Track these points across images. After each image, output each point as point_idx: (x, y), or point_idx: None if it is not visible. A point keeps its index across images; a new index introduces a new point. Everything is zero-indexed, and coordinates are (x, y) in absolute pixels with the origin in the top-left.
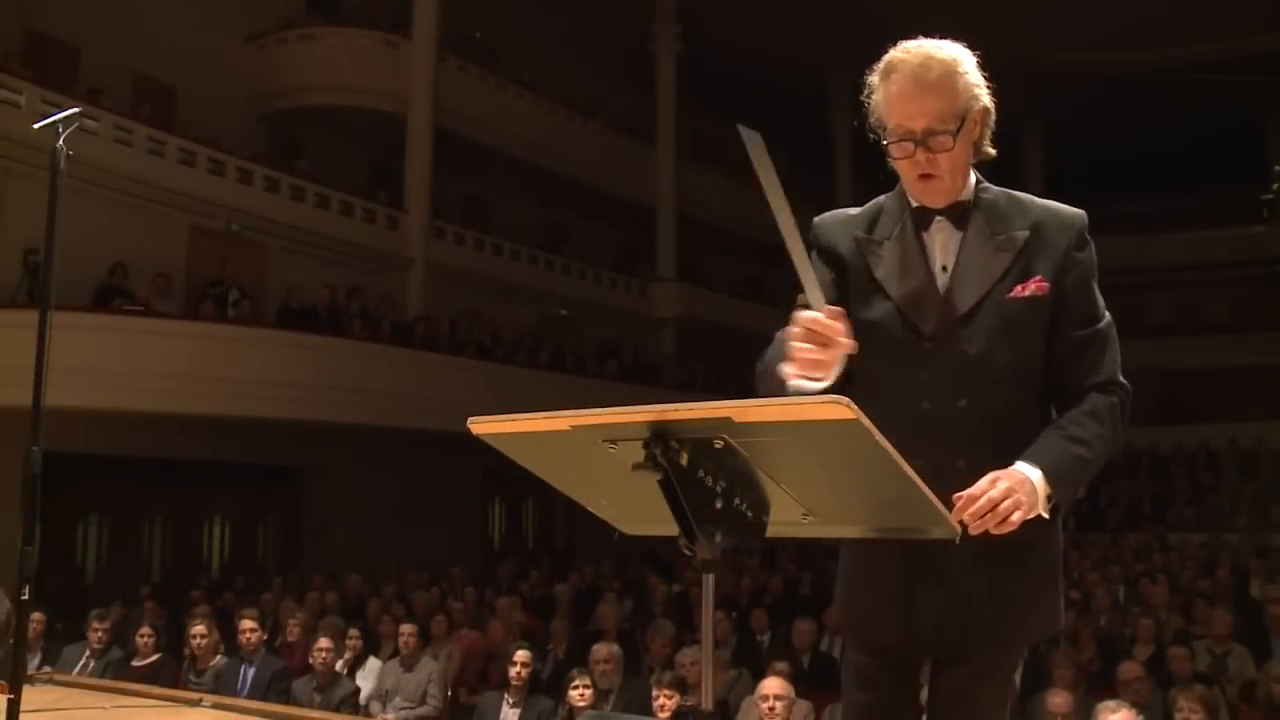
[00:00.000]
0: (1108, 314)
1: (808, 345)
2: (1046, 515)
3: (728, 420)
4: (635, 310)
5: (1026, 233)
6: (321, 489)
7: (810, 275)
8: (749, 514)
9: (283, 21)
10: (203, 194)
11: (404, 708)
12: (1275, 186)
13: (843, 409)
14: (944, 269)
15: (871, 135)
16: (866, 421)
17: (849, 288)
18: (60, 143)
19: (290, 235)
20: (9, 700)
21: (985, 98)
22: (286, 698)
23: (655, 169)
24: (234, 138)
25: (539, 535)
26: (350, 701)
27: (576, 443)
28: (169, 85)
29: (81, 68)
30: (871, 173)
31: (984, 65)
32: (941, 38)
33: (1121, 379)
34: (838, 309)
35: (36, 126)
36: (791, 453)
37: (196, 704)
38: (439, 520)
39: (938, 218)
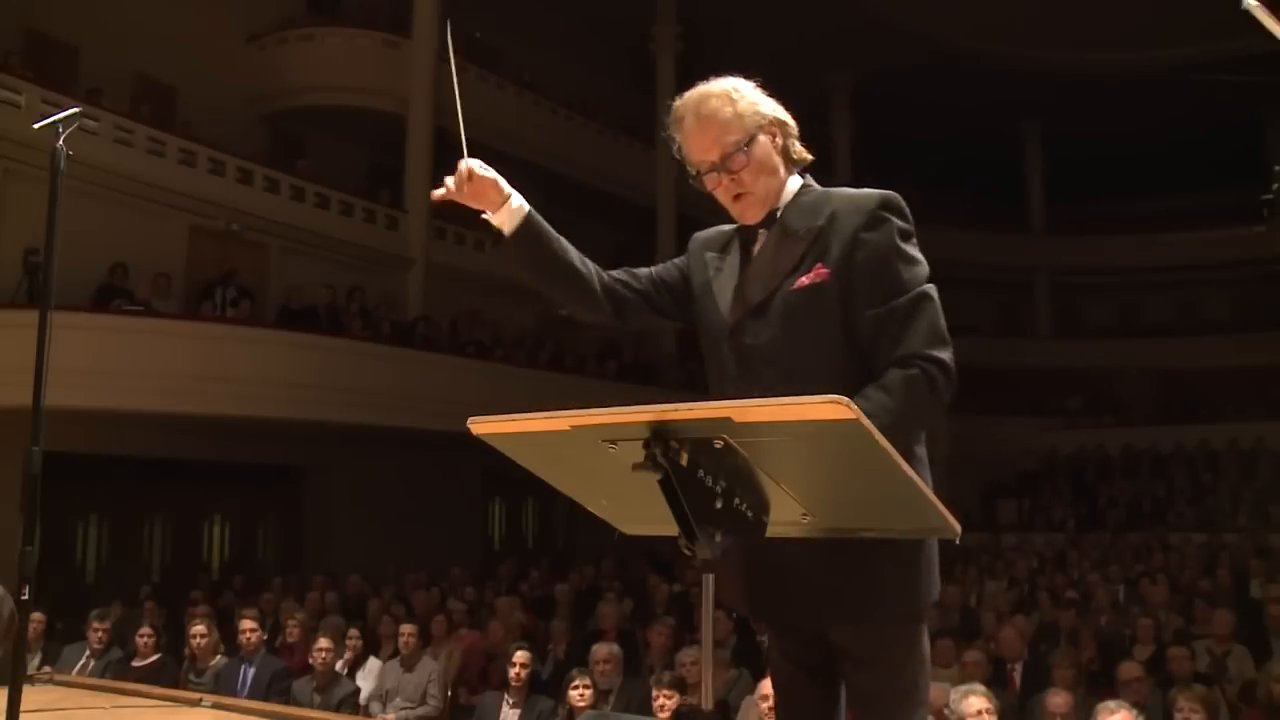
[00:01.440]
0: (921, 288)
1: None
2: None
3: (728, 420)
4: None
5: (821, 223)
6: (321, 489)
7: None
8: (749, 514)
9: (283, 21)
10: (203, 194)
11: (404, 708)
12: (1275, 186)
13: (843, 409)
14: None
15: (691, 181)
16: (866, 421)
17: (696, 299)
18: (60, 143)
19: (290, 235)
20: (9, 700)
21: (772, 110)
22: (286, 698)
23: (655, 169)
24: (234, 138)
25: (539, 535)
26: (350, 701)
27: (576, 443)
28: (169, 85)
29: (81, 68)
30: (872, 173)
31: (985, 65)
32: (942, 38)
33: (932, 352)
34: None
35: (36, 126)
36: (791, 453)
37: (196, 704)
38: (439, 520)
39: (760, 230)
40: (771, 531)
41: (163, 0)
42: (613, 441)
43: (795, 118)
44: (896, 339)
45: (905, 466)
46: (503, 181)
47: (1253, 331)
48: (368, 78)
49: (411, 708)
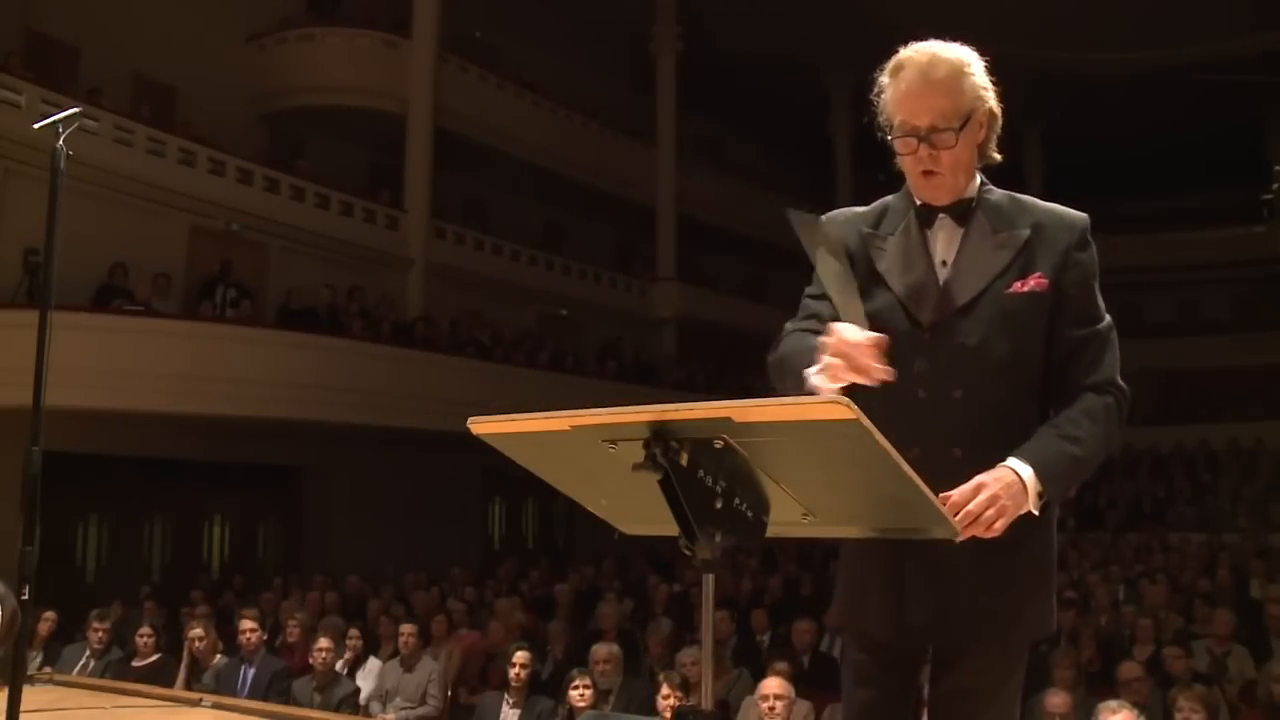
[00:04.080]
0: (1108, 316)
1: (838, 362)
2: (1037, 513)
3: (728, 420)
4: (635, 310)
5: (1028, 231)
6: (321, 489)
7: (857, 304)
8: (749, 514)
9: (283, 21)
10: (203, 194)
11: (404, 708)
12: (1275, 186)
13: (843, 409)
14: (944, 264)
15: (879, 132)
16: (866, 421)
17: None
18: (60, 143)
19: (290, 235)
20: (9, 700)
21: (992, 101)
22: (286, 698)
23: (655, 169)
24: (234, 138)
25: (539, 535)
26: (350, 701)
27: (576, 443)
28: (169, 85)
29: (81, 68)
30: (871, 173)
31: (985, 65)
32: (942, 38)
33: (1120, 381)
34: (881, 337)
35: (36, 126)
36: (791, 453)
37: (196, 704)
38: (439, 520)
39: (941, 215)
40: (772, 531)
41: (163, 0)
42: (613, 441)
43: (795, 117)
44: (1095, 364)
45: (905, 466)
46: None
47: (1253, 331)
48: (368, 78)
49: (411, 708)
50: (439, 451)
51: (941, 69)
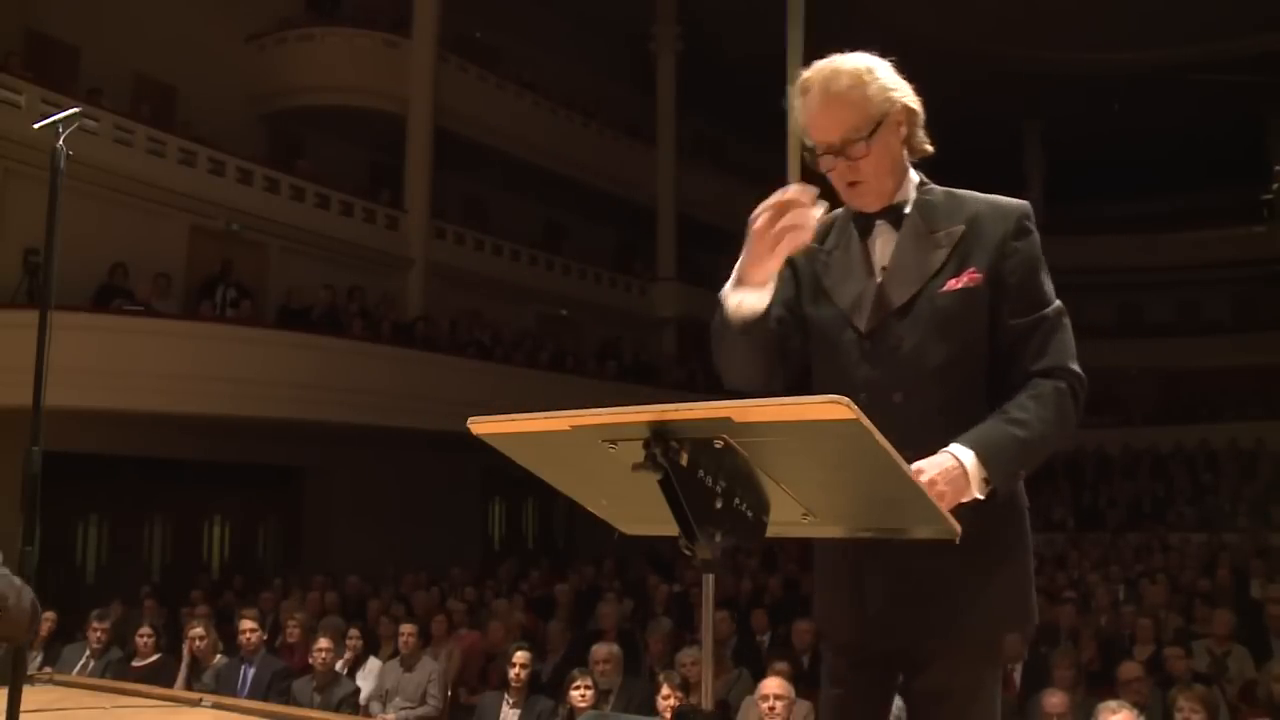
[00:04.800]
0: (1058, 302)
1: (765, 220)
2: (982, 497)
3: (728, 420)
4: (635, 310)
5: (963, 226)
6: (321, 489)
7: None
8: (749, 514)
9: (283, 21)
10: (203, 194)
11: (404, 708)
12: (1275, 186)
13: (843, 409)
14: (883, 269)
15: (805, 155)
16: (866, 421)
17: (804, 296)
18: (60, 143)
19: (290, 235)
20: (9, 700)
21: (905, 98)
22: (286, 698)
23: (655, 169)
24: (234, 138)
25: (539, 535)
26: (350, 701)
27: (576, 443)
28: (169, 85)
29: (81, 68)
30: None
31: (985, 65)
32: (942, 38)
33: (1072, 366)
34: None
35: (36, 126)
36: (791, 453)
37: (196, 704)
38: (439, 520)
39: (878, 222)
40: (772, 531)
41: (163, 0)
42: (613, 441)
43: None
44: (1042, 350)
45: (905, 466)
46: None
47: (1253, 331)
48: (368, 78)
49: (411, 708)
50: (439, 451)
51: (842, 81)
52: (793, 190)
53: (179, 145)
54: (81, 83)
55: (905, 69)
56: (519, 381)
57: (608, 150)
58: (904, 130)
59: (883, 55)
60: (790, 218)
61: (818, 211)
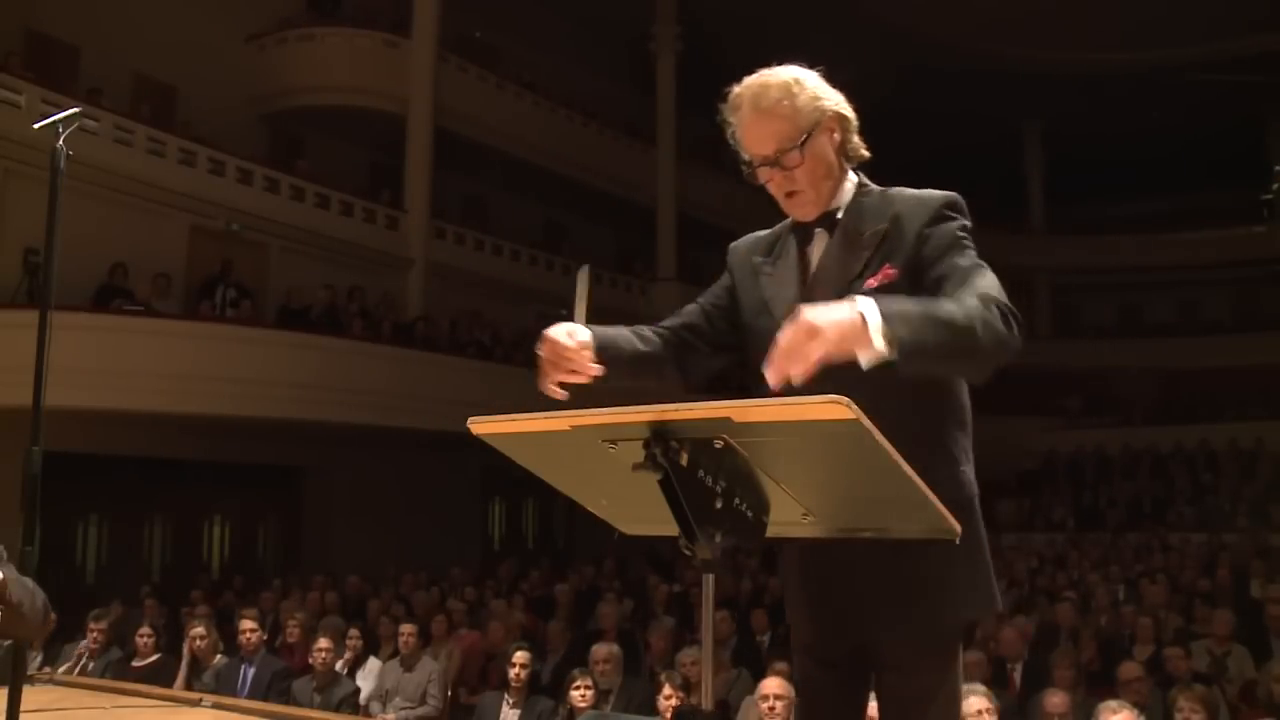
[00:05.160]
0: (983, 264)
1: (547, 364)
2: (886, 350)
3: (728, 420)
4: (635, 310)
5: (886, 225)
6: (321, 489)
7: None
8: (749, 514)
9: (283, 21)
10: (203, 194)
11: (404, 708)
12: (1275, 186)
13: (842, 409)
14: (812, 275)
15: (743, 169)
16: (866, 422)
17: (744, 311)
18: (60, 143)
19: (290, 235)
20: (9, 700)
21: (835, 105)
22: (286, 698)
23: (655, 169)
24: (234, 138)
25: (539, 535)
26: (350, 701)
27: (576, 443)
28: (169, 85)
29: (81, 68)
30: (871, 173)
31: (985, 65)
32: (943, 38)
33: (1000, 297)
34: (586, 339)
35: (36, 126)
36: (791, 453)
37: (196, 704)
38: (439, 520)
39: (817, 230)
40: (772, 531)
41: (163, 0)
42: (613, 441)
43: None
44: (965, 285)
45: (905, 466)
46: (579, 331)
47: (1253, 331)
48: (368, 78)
49: (411, 708)
50: (439, 451)
51: (771, 94)
52: (556, 331)
53: (179, 145)
54: (81, 83)
55: (905, 69)
56: (519, 381)
57: (608, 150)
58: (837, 137)
59: (882, 55)
60: (549, 354)
61: (585, 354)
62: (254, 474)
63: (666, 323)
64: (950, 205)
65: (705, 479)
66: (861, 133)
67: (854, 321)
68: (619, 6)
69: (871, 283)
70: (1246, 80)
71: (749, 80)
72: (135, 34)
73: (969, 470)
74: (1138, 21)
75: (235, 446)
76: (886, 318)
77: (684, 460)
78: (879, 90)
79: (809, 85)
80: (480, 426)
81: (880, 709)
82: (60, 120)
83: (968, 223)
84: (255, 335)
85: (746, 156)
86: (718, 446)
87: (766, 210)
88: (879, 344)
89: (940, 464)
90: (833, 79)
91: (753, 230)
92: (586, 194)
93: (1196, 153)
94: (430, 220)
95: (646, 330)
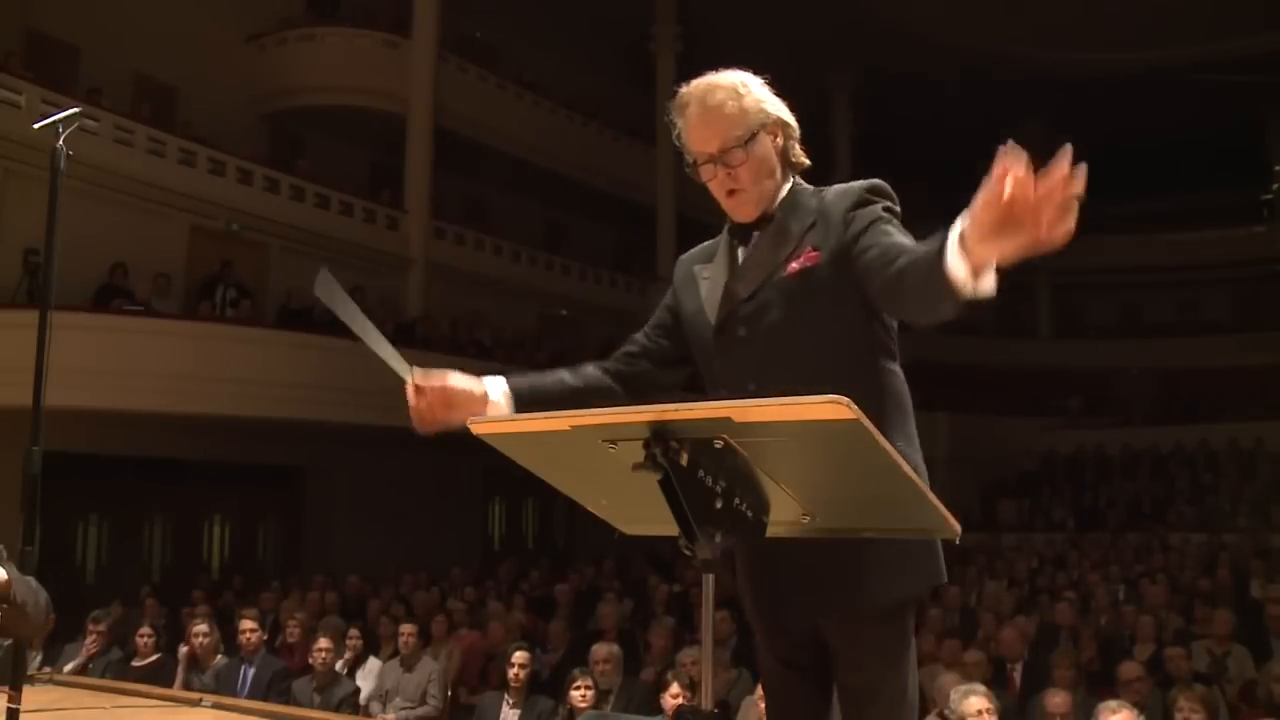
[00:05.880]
0: (907, 237)
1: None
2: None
3: (728, 420)
4: (635, 310)
5: (812, 218)
6: (321, 489)
7: (385, 344)
8: (749, 514)
9: (283, 21)
10: (203, 194)
11: (404, 708)
12: (1275, 186)
13: (843, 409)
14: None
15: (687, 169)
16: (866, 421)
17: (683, 314)
18: (60, 143)
19: (290, 235)
20: (9, 700)
21: (777, 110)
22: (286, 698)
23: (655, 169)
24: (234, 138)
25: (539, 535)
26: (350, 701)
27: (576, 443)
28: (169, 85)
29: (81, 68)
30: (872, 172)
31: (985, 65)
32: (942, 39)
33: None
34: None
35: (36, 126)
36: (791, 453)
37: (196, 704)
38: (439, 520)
39: (755, 232)
40: (772, 531)
41: (163, 0)
42: (613, 441)
43: (796, 116)
44: (889, 252)
45: (905, 467)
46: (461, 379)
47: (1253, 331)
48: (368, 78)
49: (411, 708)
50: (439, 451)
51: (718, 94)
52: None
53: (179, 145)
54: (81, 83)
55: (905, 68)
56: None
57: (608, 150)
58: (779, 141)
59: (882, 55)
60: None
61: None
62: (254, 474)
63: (610, 358)
64: (872, 190)
65: (705, 479)
66: (803, 142)
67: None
68: (619, 6)
69: (794, 266)
70: (1246, 80)
71: (696, 81)
72: (135, 34)
73: (911, 452)
74: (1138, 22)
75: (235, 446)
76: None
77: (684, 460)
78: (879, 90)
79: (754, 89)
80: (480, 426)
81: (840, 703)
82: (60, 120)
83: (892, 204)
84: (255, 335)
85: (690, 156)
86: (718, 446)
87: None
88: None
89: None
90: (833, 78)
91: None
92: (586, 194)
93: (1196, 153)
94: (430, 220)
95: (588, 367)
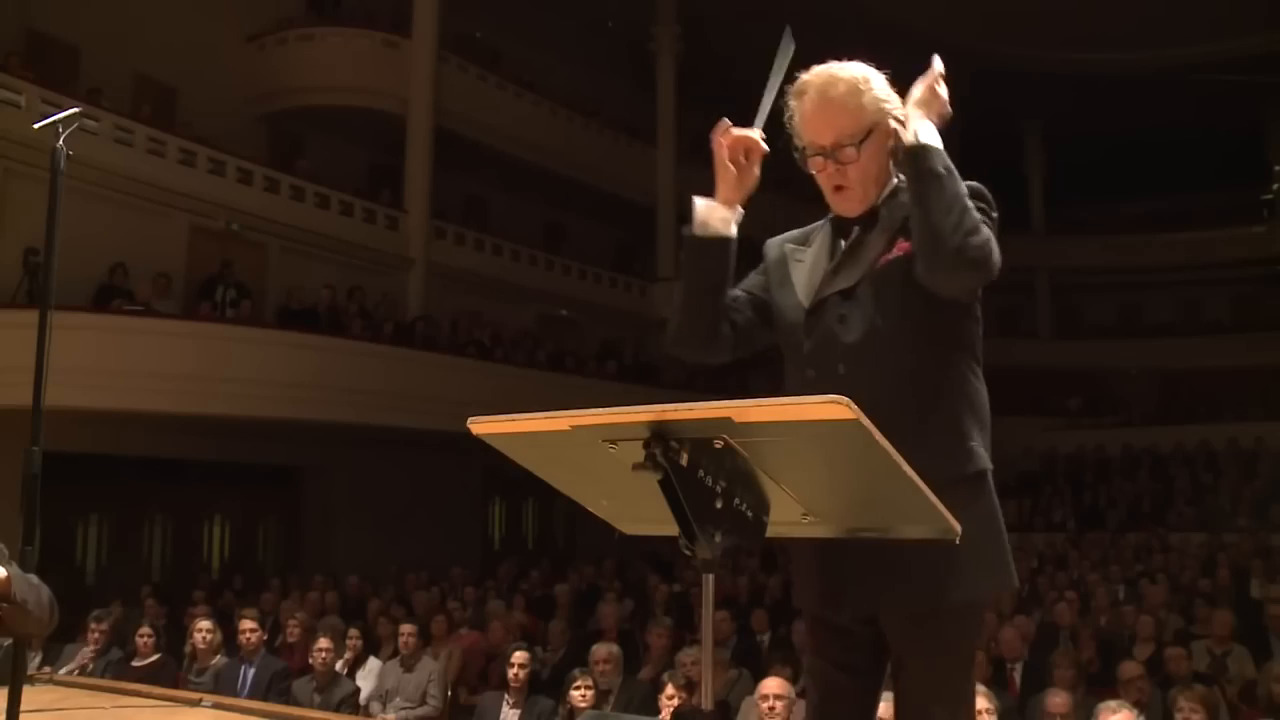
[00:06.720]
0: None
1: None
2: (916, 141)
3: (728, 420)
4: (635, 310)
5: (906, 214)
6: (321, 489)
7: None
8: (749, 514)
9: (283, 21)
10: (203, 194)
11: (404, 708)
12: (1275, 186)
13: (843, 409)
14: (841, 257)
15: (795, 153)
16: (866, 421)
17: (773, 292)
18: (60, 143)
19: (290, 235)
20: (9, 700)
21: (895, 110)
22: (286, 698)
23: (655, 169)
24: (234, 138)
25: (539, 535)
26: (350, 702)
27: (576, 443)
28: (169, 85)
29: (81, 68)
30: None
31: (985, 65)
32: (943, 39)
33: (991, 248)
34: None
35: (36, 126)
36: (791, 453)
37: (196, 704)
38: (439, 520)
39: (855, 227)
40: (772, 531)
41: (163, 0)
42: (613, 441)
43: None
44: None
45: (905, 467)
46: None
47: (1253, 331)
48: (368, 78)
49: (411, 708)
50: (439, 451)
51: (839, 87)
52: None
53: (179, 145)
54: (81, 83)
55: (905, 69)
56: (519, 381)
57: (608, 150)
58: (891, 142)
59: (882, 54)
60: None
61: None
62: (254, 474)
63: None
64: (972, 193)
65: (705, 479)
66: None
67: (930, 125)
68: (619, 6)
69: (887, 257)
70: (1247, 80)
71: (818, 69)
72: (135, 34)
73: (978, 447)
74: (1138, 21)
75: (235, 446)
76: (939, 152)
77: (684, 460)
78: None
79: (876, 86)
80: (480, 426)
81: (895, 706)
82: (60, 120)
83: (987, 207)
84: (255, 335)
85: (800, 143)
86: (718, 446)
87: (765, 211)
88: (925, 137)
89: (943, 437)
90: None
91: (750, 229)
92: (586, 194)
93: (1196, 153)
94: (430, 220)
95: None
